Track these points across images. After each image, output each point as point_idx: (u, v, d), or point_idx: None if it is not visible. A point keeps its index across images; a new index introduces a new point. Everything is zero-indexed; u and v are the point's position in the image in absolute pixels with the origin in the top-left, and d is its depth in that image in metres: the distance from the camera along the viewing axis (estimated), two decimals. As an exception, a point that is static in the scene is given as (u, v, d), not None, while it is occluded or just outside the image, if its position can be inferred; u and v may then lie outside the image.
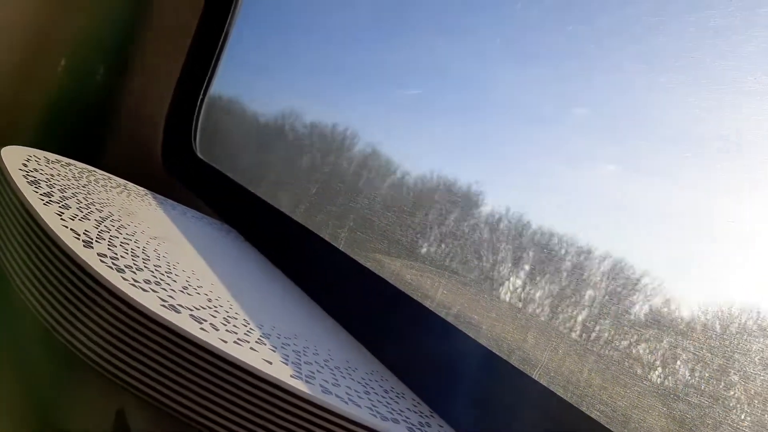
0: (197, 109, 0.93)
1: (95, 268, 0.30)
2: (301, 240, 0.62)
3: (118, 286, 0.29)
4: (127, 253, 0.36)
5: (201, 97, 0.93)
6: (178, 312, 0.31)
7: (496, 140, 0.48)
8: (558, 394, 0.38)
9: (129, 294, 0.29)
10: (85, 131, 0.98)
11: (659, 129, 0.37)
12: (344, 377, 0.36)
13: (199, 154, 0.94)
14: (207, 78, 0.92)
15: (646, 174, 0.38)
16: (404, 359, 0.46)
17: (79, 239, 0.33)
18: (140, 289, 0.31)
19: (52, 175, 0.46)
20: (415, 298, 0.49)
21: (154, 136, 0.96)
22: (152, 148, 0.93)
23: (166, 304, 0.31)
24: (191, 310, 0.32)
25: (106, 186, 0.53)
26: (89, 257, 0.31)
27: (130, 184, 0.60)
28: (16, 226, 0.35)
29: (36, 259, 0.32)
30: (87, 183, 0.50)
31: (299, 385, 0.30)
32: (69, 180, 0.47)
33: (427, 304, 0.47)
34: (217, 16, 0.91)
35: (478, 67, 0.51)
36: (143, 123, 0.95)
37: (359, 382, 0.37)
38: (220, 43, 0.94)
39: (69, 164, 0.53)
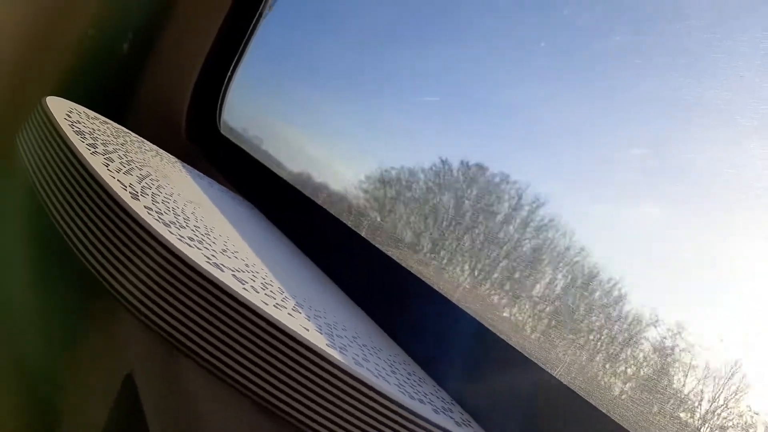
0: (224, 85, 0.93)
1: (145, 218, 0.30)
2: (326, 224, 0.62)
3: (167, 238, 0.30)
4: (169, 211, 0.36)
5: (229, 73, 0.93)
6: (222, 270, 0.31)
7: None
8: (581, 395, 0.38)
9: (177, 246, 0.29)
10: (111, 97, 0.98)
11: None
12: (372, 355, 0.36)
13: (221, 131, 0.94)
14: (237, 56, 0.93)
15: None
16: (425, 348, 0.46)
17: (126, 190, 0.34)
18: (185, 245, 0.31)
19: (92, 129, 0.46)
20: (438, 290, 0.49)
21: (179, 109, 0.96)
22: (177, 120, 0.93)
23: (210, 261, 0.31)
24: (233, 271, 0.32)
25: (141, 148, 0.53)
26: (138, 207, 0.31)
27: (161, 150, 0.60)
28: (65, 173, 0.35)
29: (85, 206, 0.32)
30: (124, 142, 0.50)
31: (336, 355, 0.30)
32: (108, 136, 0.47)
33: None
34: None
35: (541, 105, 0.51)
36: (170, 94, 0.96)
37: (385, 362, 0.37)
38: (251, 26, 0.94)
39: (106, 122, 0.54)
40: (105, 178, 0.33)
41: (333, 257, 0.58)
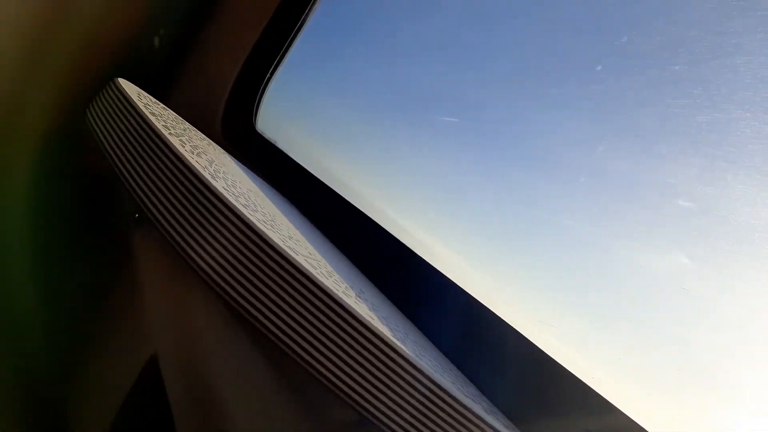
0: (266, 80, 0.95)
1: (228, 198, 0.31)
2: (364, 228, 0.63)
3: (250, 218, 0.31)
4: (240, 195, 0.37)
5: (272, 69, 0.95)
6: (296, 254, 0.32)
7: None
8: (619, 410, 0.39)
9: (259, 227, 0.30)
10: (152, 84, 1.00)
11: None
12: (423, 352, 0.37)
13: (258, 128, 0.96)
14: (281, 54, 0.95)
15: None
16: (463, 354, 0.46)
17: (205, 171, 0.35)
18: (263, 226, 0.32)
19: (160, 113, 0.47)
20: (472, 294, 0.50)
21: (216, 102, 0.98)
22: (214, 110, 0.95)
23: (285, 244, 0.32)
24: (305, 256, 0.33)
25: (198, 135, 0.55)
26: (220, 187, 0.32)
27: (212, 141, 0.62)
28: (146, 151, 0.36)
29: (168, 183, 0.33)
30: (185, 128, 0.51)
31: (404, 347, 0.31)
32: (173, 122, 0.49)
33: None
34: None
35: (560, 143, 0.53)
36: (208, 87, 0.97)
37: (435, 360, 0.38)
38: (297, 26, 0.97)
39: (165, 109, 0.55)
40: (188, 158, 0.34)
41: (371, 259, 0.59)
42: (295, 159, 0.81)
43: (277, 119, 1.06)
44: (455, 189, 0.68)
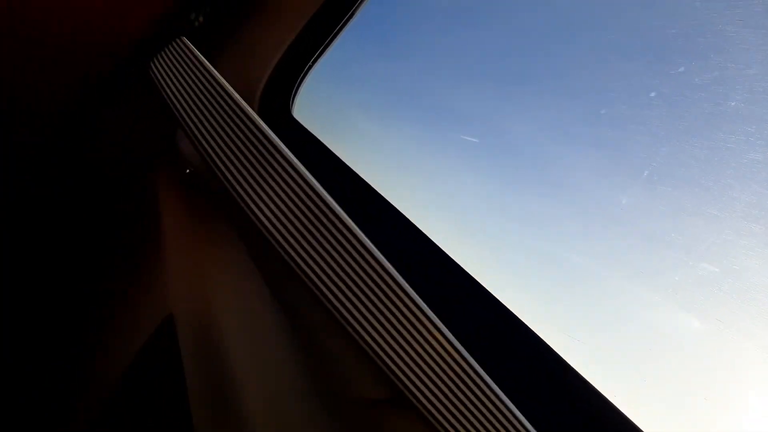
0: (306, 68, 0.97)
1: (290, 155, 0.32)
2: (396, 225, 0.63)
3: (311, 177, 0.31)
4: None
5: (314, 58, 0.96)
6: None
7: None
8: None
9: (320, 187, 0.31)
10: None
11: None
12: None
13: (294, 115, 0.97)
14: (325, 44, 0.96)
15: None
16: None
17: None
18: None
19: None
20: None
21: (255, 84, 0.99)
22: (252, 91, 0.96)
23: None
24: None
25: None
26: (282, 143, 0.33)
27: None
28: (215, 106, 0.37)
29: (234, 135, 0.34)
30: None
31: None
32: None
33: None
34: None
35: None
36: (251, 62, 0.98)
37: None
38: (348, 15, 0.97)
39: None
40: (254, 114, 0.35)
41: (400, 255, 0.59)
42: (330, 149, 0.82)
43: (310, 111, 1.07)
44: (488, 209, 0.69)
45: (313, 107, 1.05)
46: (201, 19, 1.04)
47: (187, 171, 0.46)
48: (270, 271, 0.44)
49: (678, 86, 0.50)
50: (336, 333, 0.35)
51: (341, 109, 1.06)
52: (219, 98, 0.37)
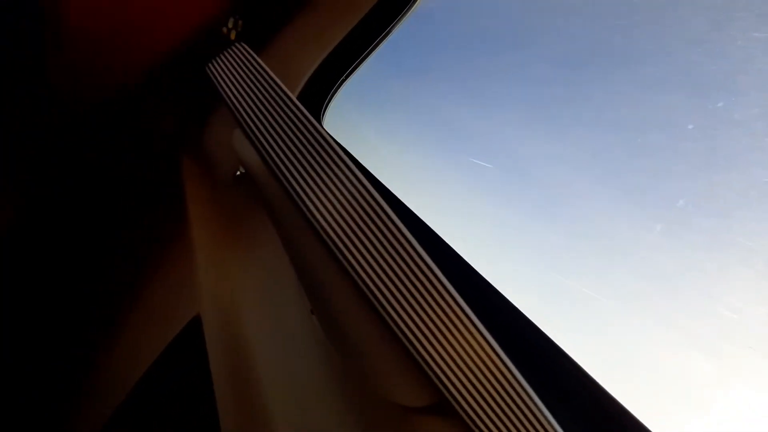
0: (339, 82, 0.99)
1: (346, 157, 0.33)
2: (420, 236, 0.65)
3: (362, 177, 0.32)
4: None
5: (348, 73, 0.99)
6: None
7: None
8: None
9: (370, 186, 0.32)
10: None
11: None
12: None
13: (323, 126, 0.99)
14: (361, 58, 0.99)
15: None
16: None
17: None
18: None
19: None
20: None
21: (290, 88, 1.01)
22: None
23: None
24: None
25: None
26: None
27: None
28: (274, 108, 0.38)
29: (292, 135, 0.35)
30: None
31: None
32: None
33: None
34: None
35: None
36: (286, 70, 1.01)
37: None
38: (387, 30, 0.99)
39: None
40: (310, 116, 0.37)
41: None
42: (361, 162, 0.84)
43: (338, 128, 1.09)
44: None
45: (342, 124, 1.07)
46: (234, 33, 1.06)
47: (238, 173, 0.48)
48: (308, 273, 0.45)
49: (717, 120, 0.51)
50: (375, 337, 0.36)
51: (370, 127, 1.08)
52: (281, 102, 0.38)
